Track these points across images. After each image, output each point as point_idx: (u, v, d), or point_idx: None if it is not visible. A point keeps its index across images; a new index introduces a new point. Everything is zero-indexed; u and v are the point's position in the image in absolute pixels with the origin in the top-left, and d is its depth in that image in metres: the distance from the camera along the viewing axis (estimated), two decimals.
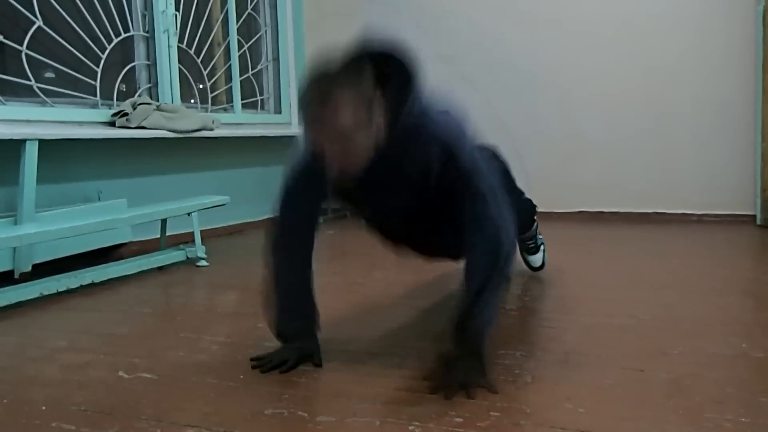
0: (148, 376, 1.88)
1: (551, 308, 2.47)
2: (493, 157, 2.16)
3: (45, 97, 3.55)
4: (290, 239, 1.93)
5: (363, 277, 3.16)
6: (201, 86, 4.75)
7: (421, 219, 1.90)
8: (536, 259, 2.98)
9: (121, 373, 1.90)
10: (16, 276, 3.08)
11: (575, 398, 1.59)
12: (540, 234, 3.01)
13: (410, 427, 1.46)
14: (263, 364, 1.88)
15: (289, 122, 5.57)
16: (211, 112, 4.74)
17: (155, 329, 2.37)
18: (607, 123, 4.81)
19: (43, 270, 3.14)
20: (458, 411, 1.54)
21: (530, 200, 2.83)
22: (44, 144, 3.22)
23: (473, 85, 5.10)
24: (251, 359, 1.94)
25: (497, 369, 1.78)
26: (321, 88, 1.47)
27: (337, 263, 3.56)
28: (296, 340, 1.94)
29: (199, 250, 3.55)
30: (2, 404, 1.71)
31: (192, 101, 4.64)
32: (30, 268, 3.14)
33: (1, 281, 2.90)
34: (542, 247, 3.01)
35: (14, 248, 3.05)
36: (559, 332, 2.15)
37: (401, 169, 1.69)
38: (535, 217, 2.94)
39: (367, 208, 1.98)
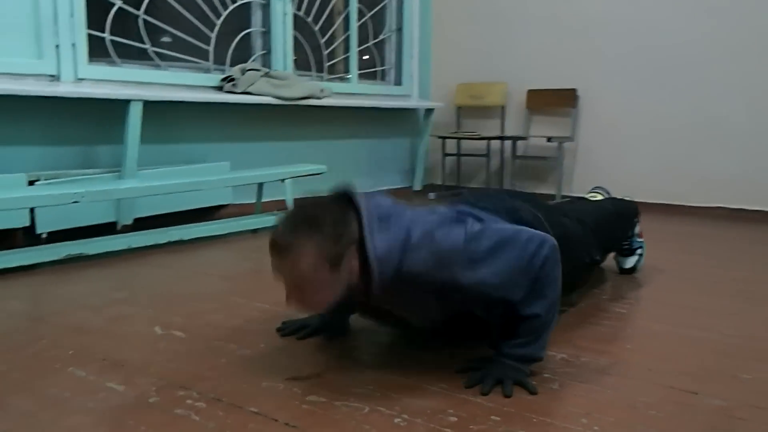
0: (179, 334, 1.92)
1: (626, 310, 2.24)
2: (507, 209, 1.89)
3: (160, 61, 3.71)
4: None
5: None
6: (365, 57, 4.78)
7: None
8: (627, 262, 2.73)
9: (156, 329, 1.96)
10: (118, 228, 3.27)
11: (595, 414, 1.42)
12: (640, 237, 2.75)
13: (396, 420, 1.38)
14: (283, 329, 1.90)
15: (409, 94, 5.50)
16: (326, 81, 4.77)
17: (211, 290, 2.42)
18: (752, 108, 4.28)
19: (144, 224, 3.31)
20: (457, 410, 1.43)
21: (630, 204, 2.65)
22: (152, 105, 3.38)
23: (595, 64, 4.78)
24: (280, 325, 1.95)
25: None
26: (282, 236, 1.42)
27: None
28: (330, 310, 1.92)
29: None
30: (40, 344, 1.81)
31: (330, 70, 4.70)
32: (131, 222, 3.33)
33: (103, 232, 3.08)
34: (639, 251, 2.73)
35: (117, 201, 3.23)
36: (620, 338, 1.94)
37: (405, 298, 1.56)
38: (636, 220, 2.69)
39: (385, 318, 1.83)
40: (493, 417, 1.40)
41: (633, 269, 2.73)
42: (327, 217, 1.43)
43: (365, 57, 5.17)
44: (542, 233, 1.58)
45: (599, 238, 2.26)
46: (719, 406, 1.48)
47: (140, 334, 1.91)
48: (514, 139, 5.03)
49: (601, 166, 4.84)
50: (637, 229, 2.72)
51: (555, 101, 4.99)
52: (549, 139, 4.73)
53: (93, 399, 1.47)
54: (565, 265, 1.65)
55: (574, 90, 4.90)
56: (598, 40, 4.79)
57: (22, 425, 1.35)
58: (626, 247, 2.71)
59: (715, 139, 4.43)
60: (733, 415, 1.43)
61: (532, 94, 5.09)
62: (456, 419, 1.38)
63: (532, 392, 1.51)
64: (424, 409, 1.43)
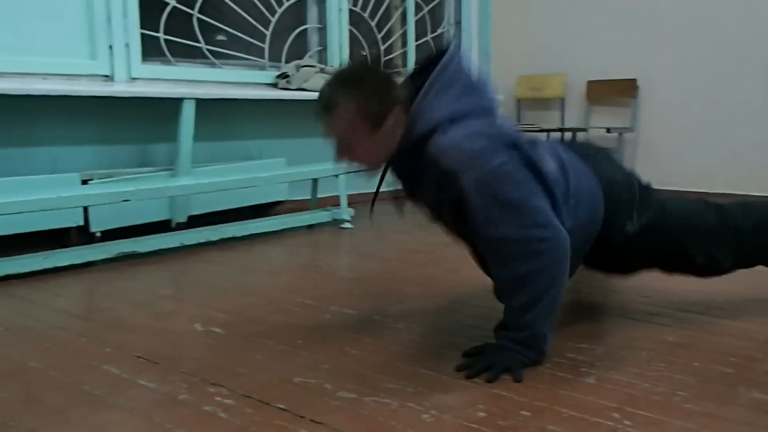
0: (218, 330, 1.88)
1: (674, 302, 2.06)
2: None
3: (215, 59, 3.73)
4: None
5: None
6: (365, 53, 4.71)
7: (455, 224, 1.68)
8: None
9: (196, 325, 1.93)
10: (173, 225, 3.29)
11: (629, 409, 1.33)
12: None
13: (424, 416, 1.32)
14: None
15: None
16: None
17: (256, 286, 2.39)
18: None
19: (200, 221, 3.32)
20: (487, 405, 1.36)
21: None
22: (208, 103, 3.40)
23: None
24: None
25: (561, 365, 1.56)
26: (328, 93, 1.50)
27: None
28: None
29: (344, 212, 3.55)
30: (79, 342, 1.81)
31: None
32: (186, 219, 3.34)
33: (158, 230, 3.11)
34: None
35: (172, 199, 3.25)
36: (665, 331, 1.80)
37: (420, 176, 1.57)
38: None
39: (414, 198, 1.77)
40: (523, 412, 1.33)
41: None
42: (371, 76, 1.51)
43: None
44: (560, 234, 1.46)
45: (751, 242, 1.81)
46: (760, 399, 1.38)
47: (180, 331, 1.89)
48: (574, 130, 4.89)
49: (663, 156, 4.66)
50: None
51: (615, 92, 4.83)
52: (608, 130, 4.60)
53: (124, 396, 1.45)
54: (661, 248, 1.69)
55: (634, 80, 4.73)
56: (658, 28, 4.62)
57: (53, 422, 1.34)
58: None
59: None
60: None
61: (592, 84, 4.94)
62: (485, 414, 1.32)
63: (516, 380, 1.46)
64: (454, 404, 1.37)
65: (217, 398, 1.42)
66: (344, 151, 1.53)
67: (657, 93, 4.68)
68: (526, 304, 1.47)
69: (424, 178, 1.54)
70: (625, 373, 1.52)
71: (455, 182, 1.44)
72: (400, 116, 1.51)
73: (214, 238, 3.10)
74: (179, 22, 3.57)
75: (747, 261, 1.85)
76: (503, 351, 1.52)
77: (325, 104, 1.49)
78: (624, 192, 1.70)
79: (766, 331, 1.81)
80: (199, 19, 3.65)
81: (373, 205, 1.71)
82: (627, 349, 1.67)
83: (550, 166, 1.55)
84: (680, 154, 4.59)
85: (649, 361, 1.60)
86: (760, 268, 1.92)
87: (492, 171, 1.42)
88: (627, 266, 1.81)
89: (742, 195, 4.27)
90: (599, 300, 2.16)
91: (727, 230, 1.77)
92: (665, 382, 1.47)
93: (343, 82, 1.50)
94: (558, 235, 1.46)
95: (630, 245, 1.71)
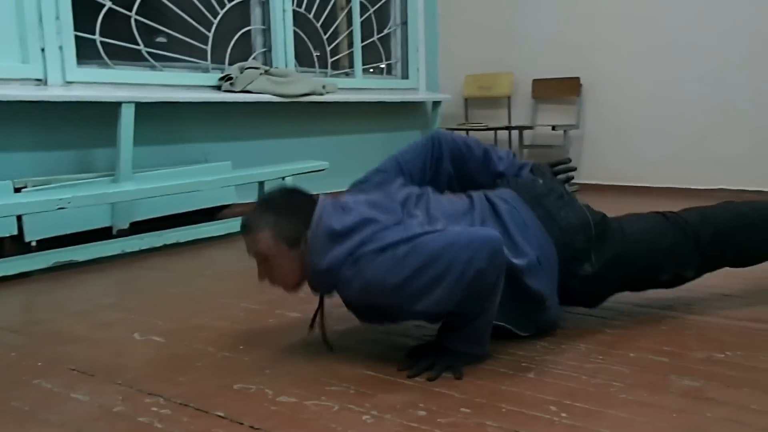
0: (158, 339, 1.84)
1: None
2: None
3: (155, 62, 3.65)
4: None
5: None
6: (318, 54, 4.68)
7: None
8: None
9: (135, 335, 1.88)
10: (114, 232, 3.20)
11: (566, 401, 1.36)
12: None
13: (365, 417, 1.32)
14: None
15: (416, 87, 5.39)
16: (330, 77, 4.68)
17: (201, 292, 2.35)
18: (758, 93, 4.15)
19: (145, 227, 3.23)
20: (427, 403, 1.37)
21: None
22: (150, 107, 3.31)
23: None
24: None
25: (502, 360, 1.57)
26: (249, 217, 1.61)
27: None
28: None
29: None
30: (10, 357, 1.74)
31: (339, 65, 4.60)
32: (128, 226, 3.25)
33: (98, 237, 3.01)
34: None
35: (112, 206, 3.16)
36: (604, 323, 1.83)
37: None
38: None
39: None
40: (463, 409, 1.34)
41: None
42: (287, 202, 1.61)
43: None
44: (485, 237, 1.44)
45: (712, 250, 1.81)
46: (690, 386, 1.42)
47: (119, 341, 1.84)
48: (521, 128, 4.95)
49: (607, 152, 4.79)
50: None
51: (559, 90, 4.91)
52: (553, 128, 4.67)
53: (55, 411, 1.40)
54: (628, 277, 1.75)
55: (577, 78, 4.80)
56: (600, 29, 4.71)
57: None
58: None
59: (719, 124, 4.32)
60: (703, 396, 1.38)
61: (537, 83, 5.00)
62: (425, 413, 1.32)
63: (457, 377, 1.47)
64: (395, 404, 1.37)
65: (154, 408, 1.39)
66: (264, 271, 1.61)
67: (600, 91, 4.77)
68: (481, 312, 1.49)
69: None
70: (565, 366, 1.54)
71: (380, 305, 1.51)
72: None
73: (158, 245, 3.03)
74: (116, 24, 3.48)
75: (710, 267, 1.87)
76: (447, 350, 1.52)
77: (246, 228, 1.59)
78: (579, 235, 1.68)
79: (699, 320, 1.86)
80: (137, 21, 3.56)
81: (319, 328, 1.72)
82: (567, 343, 1.69)
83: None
84: (623, 150, 4.69)
85: (587, 353, 1.62)
86: None
87: (390, 278, 1.44)
88: (592, 300, 1.81)
89: (682, 189, 4.40)
90: None
91: (687, 243, 1.78)
92: (602, 373, 1.49)
93: (263, 208, 1.61)
94: (483, 240, 1.43)
95: (591, 284, 1.71)
